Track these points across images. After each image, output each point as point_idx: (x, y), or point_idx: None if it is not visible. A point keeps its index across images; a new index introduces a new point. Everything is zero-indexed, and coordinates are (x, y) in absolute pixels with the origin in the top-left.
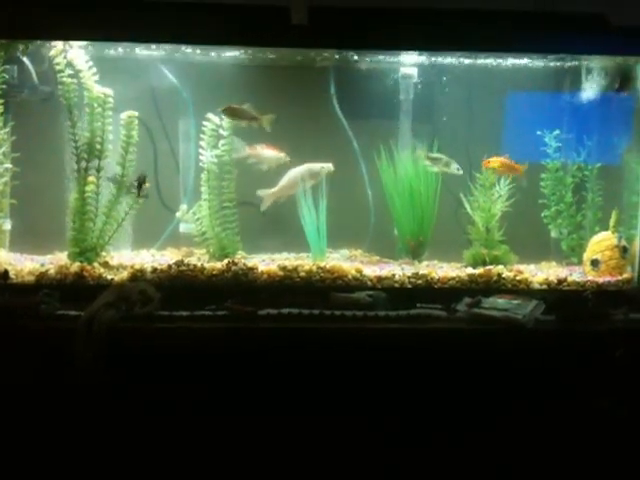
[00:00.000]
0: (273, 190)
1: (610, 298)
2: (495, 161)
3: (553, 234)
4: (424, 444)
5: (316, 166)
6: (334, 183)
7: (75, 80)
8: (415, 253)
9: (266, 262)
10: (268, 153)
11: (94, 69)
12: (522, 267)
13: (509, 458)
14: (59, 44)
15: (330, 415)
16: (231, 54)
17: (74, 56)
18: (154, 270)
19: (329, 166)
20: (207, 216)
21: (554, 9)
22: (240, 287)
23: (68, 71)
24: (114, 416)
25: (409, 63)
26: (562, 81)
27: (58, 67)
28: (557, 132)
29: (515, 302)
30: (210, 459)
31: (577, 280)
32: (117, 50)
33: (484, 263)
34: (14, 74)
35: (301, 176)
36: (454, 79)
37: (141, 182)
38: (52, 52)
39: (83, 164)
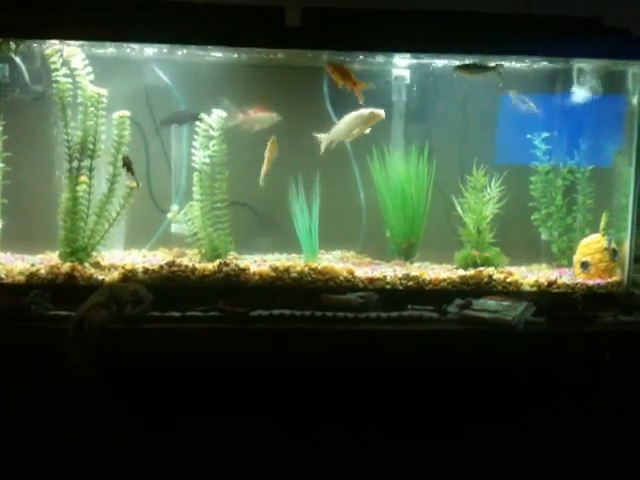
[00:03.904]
0: (327, 135)
1: (600, 300)
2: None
3: (543, 236)
4: (416, 443)
5: (366, 111)
6: (326, 184)
7: (69, 79)
8: (407, 254)
9: (258, 263)
10: (260, 115)
11: (89, 68)
12: (513, 269)
13: (503, 459)
14: (55, 43)
15: (321, 415)
16: (224, 54)
17: (69, 55)
18: (145, 271)
19: (380, 112)
20: (199, 217)
21: (546, 12)
22: (232, 288)
23: (64, 70)
24: (104, 416)
25: (402, 65)
26: (553, 84)
27: (54, 66)
28: (546, 134)
29: (505, 304)
30: (200, 460)
31: (567, 282)
32: (109, 49)
33: (475, 265)
34: (6, 73)
35: (353, 120)
36: (446, 81)
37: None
38: (48, 51)
39: (75, 163)
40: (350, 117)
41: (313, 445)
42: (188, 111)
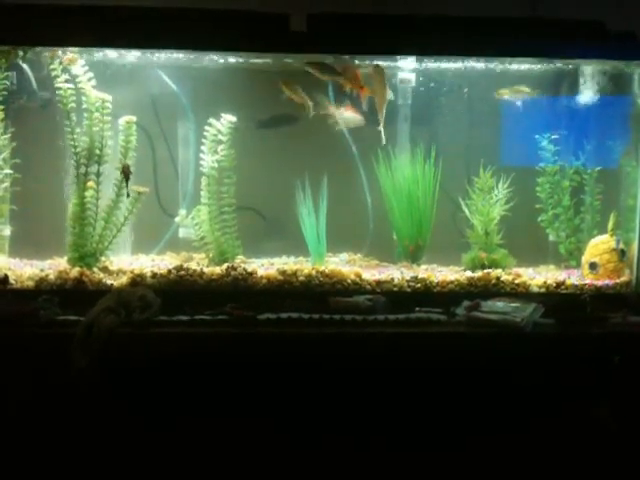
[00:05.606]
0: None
1: (608, 301)
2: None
3: (551, 237)
4: (423, 448)
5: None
6: (333, 187)
7: (73, 85)
8: (414, 257)
9: (265, 266)
10: (348, 115)
11: (90, 74)
12: (521, 270)
13: (507, 462)
14: (54, 50)
15: (329, 419)
16: (230, 59)
17: (70, 62)
18: (154, 275)
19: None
20: (207, 221)
21: (551, 15)
22: (239, 292)
23: (65, 76)
24: (112, 421)
25: (407, 68)
26: (559, 85)
27: (54, 73)
28: (554, 136)
29: (514, 305)
30: (205, 464)
31: (575, 283)
32: (116, 55)
33: (483, 267)
34: (13, 80)
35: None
36: (452, 84)
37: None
38: (48, 55)
39: (82, 169)
40: (378, 92)
41: (319, 449)
42: (286, 114)
